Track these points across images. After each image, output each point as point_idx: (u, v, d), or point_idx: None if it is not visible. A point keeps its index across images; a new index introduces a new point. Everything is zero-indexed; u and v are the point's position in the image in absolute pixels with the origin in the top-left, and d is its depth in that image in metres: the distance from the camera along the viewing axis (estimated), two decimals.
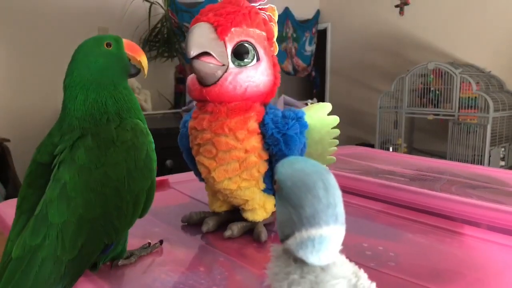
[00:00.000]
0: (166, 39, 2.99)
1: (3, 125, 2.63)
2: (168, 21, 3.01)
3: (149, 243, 0.60)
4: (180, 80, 3.19)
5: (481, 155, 2.71)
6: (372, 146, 3.32)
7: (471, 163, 2.51)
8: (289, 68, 4.08)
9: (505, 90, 2.97)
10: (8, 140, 2.43)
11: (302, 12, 4.10)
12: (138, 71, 0.58)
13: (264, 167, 0.63)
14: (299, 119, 0.63)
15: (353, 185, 0.86)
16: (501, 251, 0.61)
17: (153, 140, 0.53)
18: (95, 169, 0.46)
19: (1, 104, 2.65)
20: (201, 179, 0.69)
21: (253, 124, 0.61)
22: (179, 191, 0.90)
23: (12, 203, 0.57)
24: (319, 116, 0.67)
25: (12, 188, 2.34)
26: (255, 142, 0.61)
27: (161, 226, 0.70)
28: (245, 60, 0.60)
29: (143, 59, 0.57)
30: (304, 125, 0.63)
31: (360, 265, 0.33)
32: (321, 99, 4.17)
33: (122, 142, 0.49)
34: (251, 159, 0.61)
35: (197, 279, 0.51)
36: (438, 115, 2.98)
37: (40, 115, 2.72)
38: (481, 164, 2.67)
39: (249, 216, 0.65)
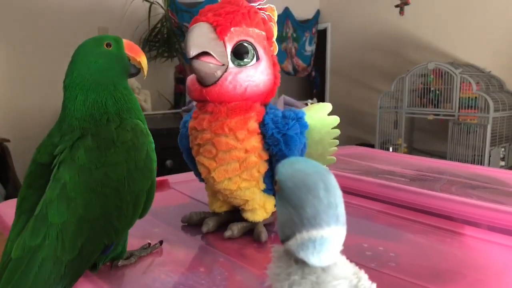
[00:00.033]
0: (166, 39, 2.99)
1: (3, 125, 2.63)
2: (168, 21, 3.01)
3: (149, 244, 0.60)
4: (180, 80, 3.19)
5: (481, 155, 2.71)
6: (372, 146, 3.32)
7: (471, 163, 2.51)
8: (289, 68, 4.08)
9: (505, 90, 2.97)
10: (8, 140, 2.43)
11: (302, 12, 4.10)
12: (138, 71, 0.58)
13: (264, 167, 0.63)
14: (299, 119, 0.62)
15: (353, 185, 0.86)
16: (501, 252, 0.61)
17: (153, 141, 0.53)
18: (95, 170, 0.46)
19: (1, 104, 2.65)
20: (201, 180, 0.68)
21: (253, 124, 0.61)
22: (179, 191, 0.90)
23: (12, 203, 0.57)
24: (319, 116, 0.67)
25: (12, 188, 2.34)
26: (255, 142, 0.61)
27: (161, 226, 0.70)
28: (245, 59, 0.60)
29: (143, 60, 0.57)
30: (304, 125, 0.63)
31: (360, 265, 0.33)
32: (321, 99, 4.17)
33: (122, 143, 0.49)
34: (251, 159, 0.61)
35: (197, 280, 0.51)
36: (438, 115, 2.98)
37: (40, 115, 2.72)
38: (481, 164, 2.67)
39: (249, 216, 0.65)
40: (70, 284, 0.46)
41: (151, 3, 2.95)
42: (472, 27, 3.16)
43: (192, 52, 0.56)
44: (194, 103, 0.65)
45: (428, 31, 3.40)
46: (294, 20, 4.01)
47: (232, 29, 0.58)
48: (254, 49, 0.60)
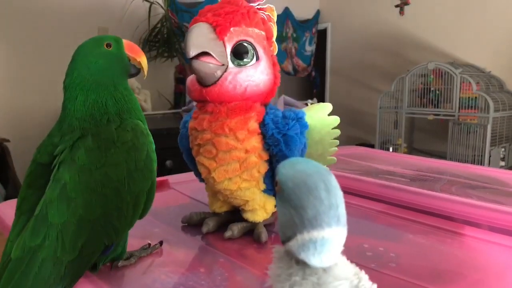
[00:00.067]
0: (166, 39, 2.98)
1: (3, 125, 2.63)
2: (168, 21, 3.01)
3: (149, 244, 0.60)
4: (180, 80, 3.19)
5: (481, 155, 2.71)
6: (372, 146, 3.32)
7: (471, 163, 2.51)
8: (289, 68, 4.08)
9: (505, 90, 2.97)
10: (8, 140, 2.43)
11: (302, 12, 4.10)
12: (138, 71, 0.58)
13: (264, 168, 0.63)
14: (300, 119, 0.62)
15: (353, 185, 0.86)
16: (502, 252, 0.61)
17: (153, 141, 0.53)
18: (95, 170, 0.46)
19: (1, 104, 2.65)
20: (201, 180, 0.68)
21: (254, 124, 0.61)
22: (179, 191, 0.90)
23: (12, 203, 0.57)
24: (320, 117, 0.67)
25: (12, 188, 2.33)
26: (255, 142, 0.61)
27: (161, 226, 0.70)
28: (245, 59, 0.59)
29: (143, 60, 0.57)
30: (304, 126, 0.63)
31: (360, 266, 0.33)
32: (321, 99, 4.16)
33: (122, 143, 0.49)
34: (251, 160, 0.61)
35: (197, 280, 0.51)
36: (438, 115, 2.98)
37: (40, 115, 2.71)
38: (481, 164, 2.67)
39: (249, 216, 0.65)
40: (70, 284, 0.46)
41: (151, 3, 2.95)
42: (472, 27, 3.16)
43: (192, 52, 0.56)
44: (194, 103, 0.65)
45: (428, 31, 3.40)
46: (294, 20, 4.01)
47: (231, 29, 0.58)
48: (254, 49, 0.60)
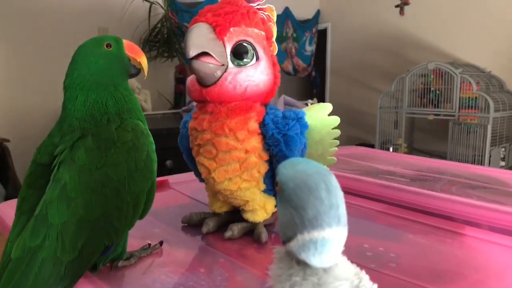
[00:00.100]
0: (166, 39, 2.98)
1: (3, 125, 2.63)
2: (168, 21, 3.01)
3: (149, 244, 0.60)
4: (180, 80, 3.19)
5: (482, 155, 2.70)
6: (372, 146, 3.32)
7: (472, 163, 2.51)
8: (289, 68, 4.08)
9: (505, 90, 2.97)
10: (8, 140, 2.43)
11: (302, 12, 4.10)
12: (138, 71, 0.58)
13: (264, 168, 0.63)
14: (300, 119, 0.62)
15: (353, 185, 0.86)
16: (502, 252, 0.61)
17: (153, 141, 0.53)
18: (95, 170, 0.46)
19: (1, 104, 2.64)
20: (201, 180, 0.68)
21: (254, 125, 0.61)
22: (179, 191, 0.90)
23: (12, 203, 0.57)
24: (320, 117, 0.67)
25: (12, 188, 2.33)
26: (255, 142, 0.61)
27: (161, 227, 0.70)
28: (245, 59, 0.59)
29: (143, 60, 0.57)
30: (304, 126, 0.63)
31: (361, 266, 0.33)
32: (321, 99, 4.16)
33: (122, 143, 0.49)
34: (251, 160, 0.61)
35: (197, 280, 0.51)
36: (438, 115, 2.98)
37: (40, 115, 2.71)
38: (481, 164, 2.67)
39: (249, 217, 0.65)
40: (70, 285, 0.46)
41: (151, 3, 2.95)
42: (472, 27, 3.16)
43: (192, 52, 0.56)
44: (194, 103, 0.65)
45: (428, 31, 3.40)
46: (294, 20, 4.01)
47: (231, 29, 0.58)
48: (254, 49, 0.60)
